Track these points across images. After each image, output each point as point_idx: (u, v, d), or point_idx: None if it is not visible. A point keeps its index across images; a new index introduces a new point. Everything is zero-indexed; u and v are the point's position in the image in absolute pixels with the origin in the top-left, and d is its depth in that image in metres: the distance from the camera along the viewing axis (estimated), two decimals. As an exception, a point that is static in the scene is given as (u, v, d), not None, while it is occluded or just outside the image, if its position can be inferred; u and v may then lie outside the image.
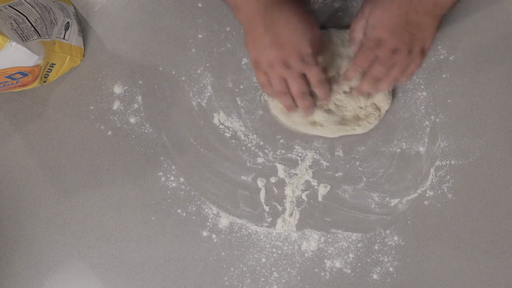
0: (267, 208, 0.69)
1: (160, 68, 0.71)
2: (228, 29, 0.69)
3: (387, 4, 0.57)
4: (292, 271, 0.68)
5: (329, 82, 0.65)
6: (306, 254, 0.68)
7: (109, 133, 0.71)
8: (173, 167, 0.70)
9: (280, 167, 0.69)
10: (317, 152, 0.69)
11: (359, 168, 0.69)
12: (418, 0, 0.56)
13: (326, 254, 0.68)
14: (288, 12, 0.57)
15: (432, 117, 0.68)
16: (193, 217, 0.69)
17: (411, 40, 0.59)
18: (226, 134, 0.70)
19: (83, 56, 0.71)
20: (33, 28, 0.59)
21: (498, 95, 0.68)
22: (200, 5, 0.70)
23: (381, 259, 0.68)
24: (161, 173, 0.70)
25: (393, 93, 0.68)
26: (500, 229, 0.67)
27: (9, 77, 0.60)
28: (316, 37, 0.61)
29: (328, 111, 0.66)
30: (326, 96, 0.64)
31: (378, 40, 0.59)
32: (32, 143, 0.71)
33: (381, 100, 0.66)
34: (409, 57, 0.60)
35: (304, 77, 0.61)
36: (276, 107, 0.67)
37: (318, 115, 0.66)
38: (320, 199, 0.69)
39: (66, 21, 0.67)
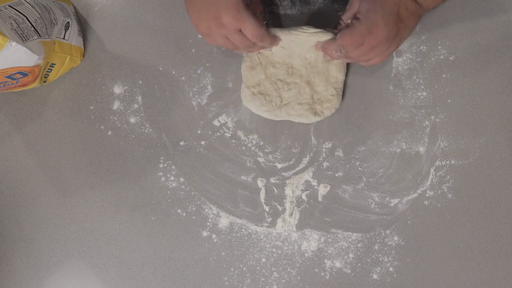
0: (267, 208, 0.69)
1: (160, 68, 0.71)
2: (228, 29, 0.69)
3: None
4: (292, 271, 0.68)
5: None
6: (306, 254, 0.68)
7: (109, 133, 0.71)
8: (173, 167, 0.70)
9: (280, 167, 0.69)
10: (317, 152, 0.69)
11: (359, 168, 0.69)
12: None
13: (326, 254, 0.68)
14: None
15: (432, 117, 0.68)
16: (193, 217, 0.69)
17: (396, 36, 0.58)
18: (226, 134, 0.70)
19: (83, 56, 0.71)
20: (33, 28, 0.59)
21: (498, 95, 0.68)
22: (200, 5, 0.69)
23: (381, 259, 0.68)
24: (161, 173, 0.70)
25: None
26: (500, 229, 0.67)
27: (9, 77, 0.60)
28: None
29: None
30: (272, 44, 0.63)
31: (372, 26, 0.57)
32: (32, 143, 0.71)
33: (337, 70, 0.66)
34: (383, 53, 0.60)
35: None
36: (245, 97, 0.67)
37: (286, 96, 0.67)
38: (320, 199, 0.69)
39: (66, 21, 0.67)
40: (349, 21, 0.62)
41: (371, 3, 0.58)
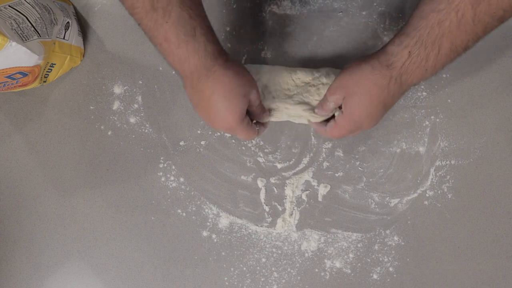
0: (267, 208, 0.69)
1: (160, 68, 0.71)
2: (228, 29, 0.69)
3: (365, 93, 0.54)
4: (292, 271, 0.68)
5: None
6: (306, 254, 0.68)
7: (109, 133, 0.71)
8: (173, 167, 0.70)
9: (280, 167, 0.69)
10: (317, 152, 0.69)
11: (359, 168, 0.69)
12: (396, 89, 0.53)
13: (326, 254, 0.68)
14: (212, 85, 0.53)
15: (432, 117, 0.68)
16: (193, 217, 0.69)
17: (381, 117, 0.57)
18: (226, 134, 0.70)
19: (83, 56, 0.71)
20: (33, 28, 0.59)
21: (498, 95, 0.68)
22: (200, 5, 0.69)
23: (381, 259, 0.68)
24: (161, 173, 0.70)
25: None
26: (500, 229, 0.67)
27: (9, 77, 0.60)
28: (245, 105, 0.56)
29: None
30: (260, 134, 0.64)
31: (358, 125, 0.57)
32: (32, 143, 0.71)
33: None
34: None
35: None
36: None
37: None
38: (320, 199, 0.69)
39: (66, 21, 0.67)
40: (336, 114, 0.60)
41: (357, 103, 0.55)
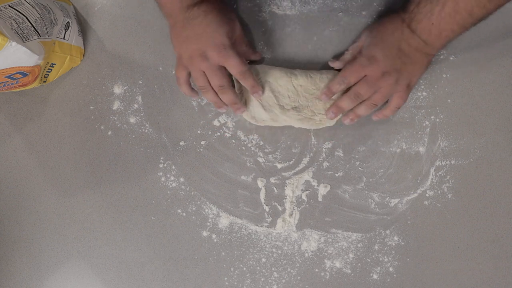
0: (267, 208, 0.69)
1: (160, 68, 0.71)
2: (228, 29, 0.69)
3: (383, 29, 0.61)
4: (292, 271, 0.68)
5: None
6: (306, 254, 0.68)
7: (109, 133, 0.71)
8: (173, 167, 0.70)
9: (280, 167, 0.69)
10: (317, 152, 0.69)
11: (359, 168, 0.69)
12: (409, 33, 0.59)
13: (326, 254, 0.68)
14: (206, 8, 0.60)
15: (432, 117, 0.68)
16: (193, 217, 0.69)
17: (401, 69, 0.60)
18: (226, 134, 0.70)
19: (83, 56, 0.71)
20: (33, 28, 0.59)
21: (498, 95, 0.68)
22: (200, 5, 0.70)
23: (381, 259, 0.68)
24: (161, 173, 0.70)
25: None
26: (500, 229, 0.67)
27: (9, 77, 0.60)
28: (234, 30, 0.62)
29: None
30: (254, 87, 0.63)
31: (371, 57, 0.60)
32: (32, 143, 0.71)
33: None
34: (395, 86, 0.61)
35: (224, 69, 0.62)
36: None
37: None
38: (320, 199, 0.69)
39: (66, 21, 0.67)
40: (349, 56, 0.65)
41: (373, 38, 0.62)
